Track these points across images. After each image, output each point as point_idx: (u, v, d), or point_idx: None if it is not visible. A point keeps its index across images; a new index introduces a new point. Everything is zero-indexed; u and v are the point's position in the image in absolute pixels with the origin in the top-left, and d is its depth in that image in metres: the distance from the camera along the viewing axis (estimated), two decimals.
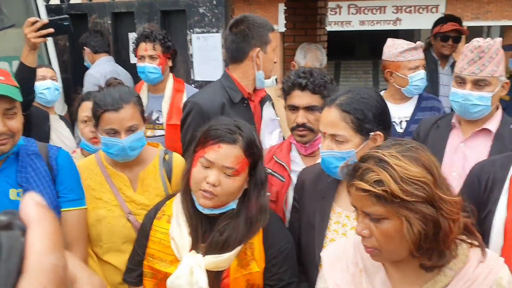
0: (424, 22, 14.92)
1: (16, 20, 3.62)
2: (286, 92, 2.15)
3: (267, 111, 2.58)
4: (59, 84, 3.50)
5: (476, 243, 1.31)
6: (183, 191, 1.76)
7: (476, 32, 15.54)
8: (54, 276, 0.33)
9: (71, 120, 3.44)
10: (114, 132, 1.93)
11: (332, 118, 1.72)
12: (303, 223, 1.88)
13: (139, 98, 2.05)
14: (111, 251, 2.03)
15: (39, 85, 3.12)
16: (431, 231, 1.20)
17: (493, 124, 2.21)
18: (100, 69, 3.71)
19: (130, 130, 1.94)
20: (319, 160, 2.06)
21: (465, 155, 2.22)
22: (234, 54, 2.48)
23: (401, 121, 2.97)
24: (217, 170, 1.64)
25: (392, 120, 2.97)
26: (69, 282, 0.37)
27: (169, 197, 1.90)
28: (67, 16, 2.58)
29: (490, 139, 2.20)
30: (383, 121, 1.76)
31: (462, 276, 1.27)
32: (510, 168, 1.79)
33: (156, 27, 3.66)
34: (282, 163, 2.18)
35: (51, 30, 2.47)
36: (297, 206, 1.96)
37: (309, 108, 2.09)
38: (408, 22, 15.32)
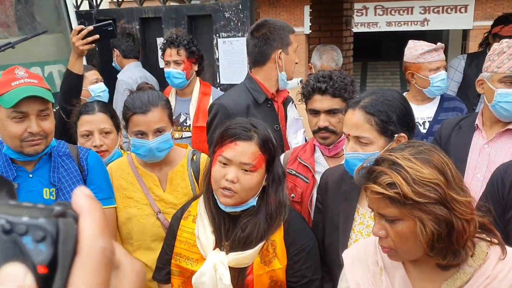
0: (453, 22, 14.70)
1: (48, 27, 3.74)
2: (306, 97, 2.16)
3: (291, 111, 2.61)
4: None
5: (495, 241, 1.31)
6: (205, 191, 1.82)
7: None
8: (103, 257, 0.38)
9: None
10: (142, 134, 2.01)
11: (356, 120, 1.73)
12: (327, 224, 1.90)
13: (167, 101, 2.11)
14: (141, 248, 2.10)
15: (95, 88, 3.18)
16: (444, 231, 1.22)
17: None
18: (131, 74, 3.80)
19: (158, 132, 2.01)
20: (343, 161, 2.07)
21: (489, 156, 2.19)
22: (257, 57, 2.55)
23: (424, 122, 2.97)
24: (235, 167, 1.69)
25: (416, 121, 2.96)
26: (114, 266, 0.41)
27: (194, 198, 1.96)
28: (110, 21, 2.66)
29: None
30: (407, 123, 1.76)
31: (482, 273, 1.27)
32: None
33: (182, 32, 3.72)
34: (306, 164, 2.19)
35: (97, 36, 2.55)
36: (320, 207, 1.97)
37: (330, 112, 2.11)
38: (436, 22, 15.09)
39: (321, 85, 2.08)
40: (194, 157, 2.19)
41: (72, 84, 2.60)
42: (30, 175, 1.85)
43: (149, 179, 2.13)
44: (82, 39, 2.53)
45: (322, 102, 2.10)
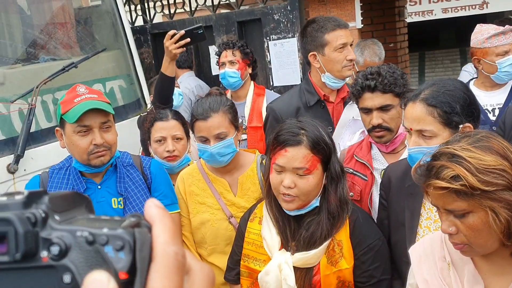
0: None
1: (107, 44, 3.92)
2: (356, 96, 2.11)
3: (349, 111, 2.56)
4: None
5: None
6: (266, 196, 1.84)
7: None
8: (176, 262, 0.41)
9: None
10: (205, 140, 2.06)
11: (417, 114, 1.68)
12: (392, 221, 1.86)
13: (231, 106, 2.14)
14: (215, 252, 2.16)
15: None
16: None
17: None
18: (186, 84, 3.92)
19: (219, 137, 2.05)
20: (403, 156, 2.02)
21: None
22: (306, 60, 2.61)
23: (493, 109, 2.84)
24: (290, 173, 1.69)
25: (484, 108, 2.83)
26: (185, 271, 0.44)
27: (260, 200, 1.98)
28: (200, 25, 2.76)
29: None
30: (471, 112, 1.69)
31: None
32: None
33: (234, 38, 3.78)
34: (363, 161, 2.15)
35: (188, 39, 2.65)
36: (384, 203, 1.93)
37: (382, 108, 2.04)
38: (497, 4, 14.32)
39: (370, 83, 2.03)
40: (264, 161, 2.22)
41: (165, 85, 2.73)
42: (99, 187, 1.96)
43: (220, 184, 2.18)
44: (175, 43, 2.63)
45: (373, 99, 2.04)
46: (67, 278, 0.38)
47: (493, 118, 2.82)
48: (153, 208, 0.44)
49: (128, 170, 2.02)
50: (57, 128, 1.96)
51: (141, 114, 3.34)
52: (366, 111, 2.09)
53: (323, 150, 1.72)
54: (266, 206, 1.85)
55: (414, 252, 1.51)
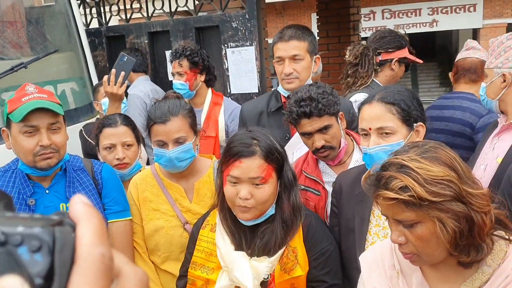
0: (462, 22, 14.60)
1: (59, 46, 3.80)
2: (294, 123, 2.09)
3: None
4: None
5: None
6: (220, 208, 1.81)
7: None
8: (102, 265, 0.37)
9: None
10: (163, 144, 2.01)
11: (376, 112, 1.72)
12: (342, 227, 1.88)
13: (190, 110, 2.09)
14: (169, 260, 2.11)
15: (106, 101, 3.18)
16: (466, 227, 1.19)
17: None
18: (142, 88, 3.85)
19: (178, 142, 2.00)
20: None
21: (494, 148, 2.19)
22: None
23: None
24: (246, 184, 1.67)
25: None
26: (114, 275, 0.40)
27: (213, 207, 1.95)
28: (122, 53, 2.72)
29: None
30: (422, 111, 1.76)
31: (501, 272, 1.24)
32: None
33: (191, 44, 3.75)
34: (313, 177, 2.14)
35: (123, 73, 2.61)
36: (335, 210, 1.95)
37: (321, 130, 2.03)
38: (445, 23, 15.00)
39: (304, 109, 1.99)
40: None
41: None
42: (47, 191, 1.88)
43: (175, 190, 2.13)
44: (115, 84, 2.60)
45: (311, 124, 2.02)
46: None
47: None
48: (79, 205, 0.39)
49: (79, 174, 1.94)
50: (3, 128, 1.86)
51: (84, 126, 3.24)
52: (306, 135, 2.07)
53: (276, 159, 1.72)
54: (220, 219, 1.82)
55: (364, 259, 1.53)
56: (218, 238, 1.79)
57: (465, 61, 2.95)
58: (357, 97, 2.83)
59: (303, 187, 2.13)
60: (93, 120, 3.46)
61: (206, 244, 1.82)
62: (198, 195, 2.13)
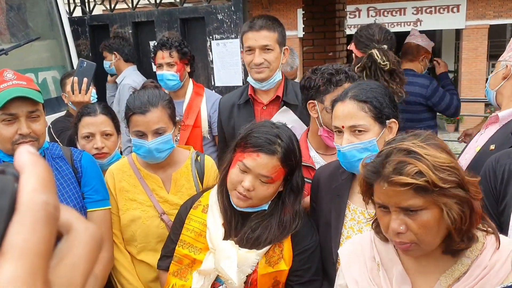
0: (445, 22, 14.74)
1: (41, 33, 3.74)
2: (328, 86, 2.13)
3: (279, 117, 2.47)
4: None
5: (490, 230, 1.31)
6: (219, 184, 1.80)
7: (500, 30, 15.27)
8: (44, 212, 0.35)
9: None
10: (142, 134, 1.99)
11: (349, 110, 1.72)
12: (320, 222, 1.89)
13: (169, 101, 2.08)
14: (145, 250, 2.10)
15: None
16: (467, 212, 1.22)
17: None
18: (134, 78, 3.84)
19: (157, 133, 1.99)
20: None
21: (478, 139, 2.25)
22: None
23: None
24: (253, 177, 1.67)
25: None
26: (64, 230, 0.39)
27: (206, 189, 1.95)
28: (80, 59, 2.68)
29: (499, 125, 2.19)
30: (395, 108, 1.77)
31: (479, 264, 1.27)
32: None
33: (175, 35, 3.72)
34: (307, 164, 2.15)
35: (86, 79, 2.57)
36: (313, 205, 1.96)
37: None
38: (429, 23, 15.13)
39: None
40: (198, 158, 2.19)
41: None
42: None
43: (152, 180, 2.11)
44: (80, 92, 2.57)
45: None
46: None
47: None
48: (24, 155, 0.38)
49: (58, 162, 1.92)
50: None
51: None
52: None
53: (291, 165, 1.71)
54: (215, 193, 1.82)
55: (343, 252, 1.53)
56: (210, 219, 1.78)
57: (405, 45, 3.74)
58: None
59: None
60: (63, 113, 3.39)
61: (197, 224, 1.81)
62: (176, 186, 2.12)
